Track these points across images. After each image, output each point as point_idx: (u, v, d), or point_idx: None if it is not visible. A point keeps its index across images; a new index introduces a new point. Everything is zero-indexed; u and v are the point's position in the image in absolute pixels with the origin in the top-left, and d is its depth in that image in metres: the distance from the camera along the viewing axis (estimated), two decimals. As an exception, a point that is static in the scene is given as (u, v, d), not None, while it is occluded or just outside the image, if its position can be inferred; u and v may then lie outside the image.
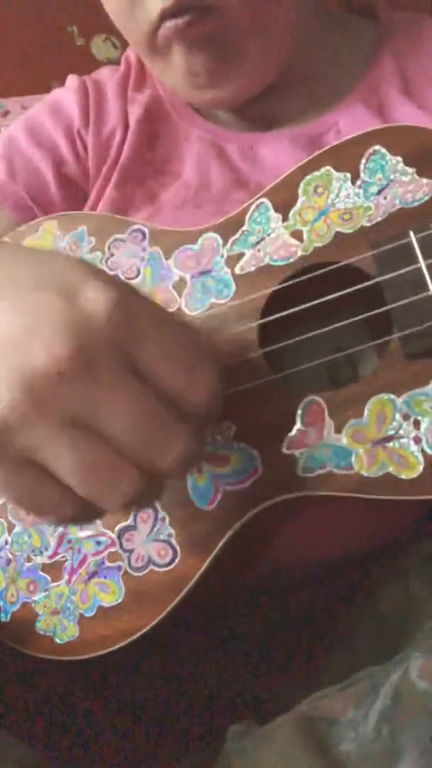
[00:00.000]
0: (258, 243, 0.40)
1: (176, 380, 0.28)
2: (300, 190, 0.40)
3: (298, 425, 0.36)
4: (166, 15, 0.43)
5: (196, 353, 0.29)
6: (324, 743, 0.28)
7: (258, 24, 0.44)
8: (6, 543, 0.41)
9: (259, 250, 0.40)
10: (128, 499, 0.28)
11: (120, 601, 0.38)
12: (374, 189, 0.38)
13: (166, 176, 0.51)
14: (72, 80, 0.55)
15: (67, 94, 0.55)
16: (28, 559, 0.40)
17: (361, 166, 0.39)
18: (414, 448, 0.34)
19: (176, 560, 0.37)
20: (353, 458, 0.35)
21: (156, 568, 0.37)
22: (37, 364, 0.26)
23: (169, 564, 0.37)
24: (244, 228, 0.41)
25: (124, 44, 0.53)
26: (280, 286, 0.39)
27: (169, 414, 0.28)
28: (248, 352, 0.38)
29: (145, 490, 0.28)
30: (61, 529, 0.40)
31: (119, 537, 0.39)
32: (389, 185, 0.38)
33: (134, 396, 0.27)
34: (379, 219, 0.38)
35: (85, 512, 0.28)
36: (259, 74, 0.48)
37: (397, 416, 0.34)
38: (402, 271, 0.36)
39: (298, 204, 0.40)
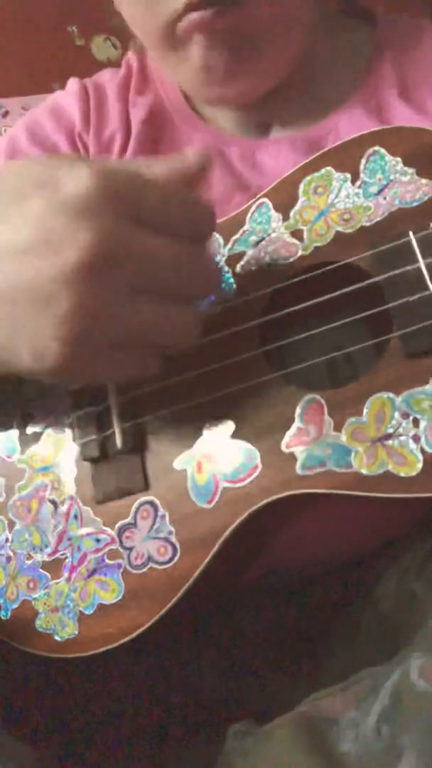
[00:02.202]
0: (259, 242, 0.40)
1: (179, 213, 0.32)
2: (300, 191, 0.40)
3: (297, 423, 0.36)
4: (191, 5, 0.42)
5: (179, 185, 0.33)
6: (324, 743, 0.28)
7: (276, 20, 0.45)
8: (6, 540, 0.41)
9: (259, 250, 0.40)
10: (195, 330, 0.34)
11: (120, 598, 0.38)
12: (374, 189, 0.39)
13: None
14: (73, 83, 0.55)
15: (68, 97, 0.55)
16: (29, 557, 0.40)
17: (361, 167, 0.39)
18: (413, 446, 0.34)
19: (176, 558, 0.37)
20: (352, 456, 0.35)
21: (156, 566, 0.37)
22: (73, 262, 0.29)
23: (168, 562, 0.37)
24: (245, 228, 0.41)
25: (124, 44, 0.53)
26: (280, 285, 0.39)
27: (191, 246, 0.32)
28: (249, 351, 0.38)
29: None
30: (61, 527, 0.40)
31: (119, 535, 0.39)
32: (389, 185, 0.38)
33: (159, 241, 0.31)
34: (378, 219, 0.38)
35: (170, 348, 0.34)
36: (272, 72, 0.48)
37: (397, 415, 0.34)
38: (401, 270, 0.36)
39: (299, 204, 0.40)
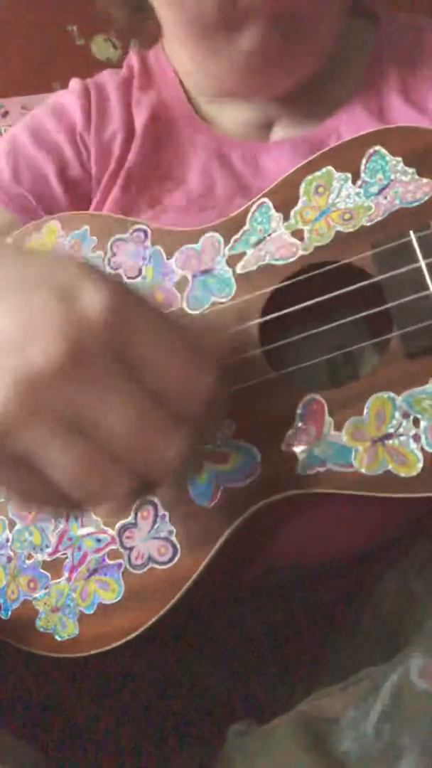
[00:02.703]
0: (259, 242, 0.40)
1: (171, 382, 0.28)
2: (301, 190, 0.40)
3: (298, 423, 0.36)
4: None
5: (193, 356, 0.29)
6: (324, 743, 0.28)
7: (324, 4, 0.45)
8: (7, 540, 0.41)
9: (260, 250, 0.40)
10: (120, 500, 0.28)
11: (120, 598, 0.38)
12: (374, 189, 0.39)
13: (171, 181, 0.51)
14: (74, 83, 0.56)
15: (69, 97, 0.55)
16: (29, 557, 0.40)
17: (362, 167, 0.39)
18: (413, 446, 0.34)
19: (176, 558, 0.37)
20: (353, 456, 0.35)
21: (156, 566, 0.37)
22: (31, 364, 0.26)
23: (169, 562, 0.37)
24: (246, 227, 0.41)
25: (124, 44, 0.53)
26: (281, 285, 0.39)
27: (165, 418, 0.28)
28: (249, 351, 0.38)
29: (137, 492, 0.28)
30: (62, 527, 0.40)
31: (119, 535, 0.39)
32: (389, 185, 0.38)
33: (128, 399, 0.27)
34: (379, 218, 0.38)
35: (77, 510, 0.29)
36: (313, 60, 0.47)
37: (397, 414, 0.34)
38: (402, 270, 0.36)
39: (299, 204, 0.40)
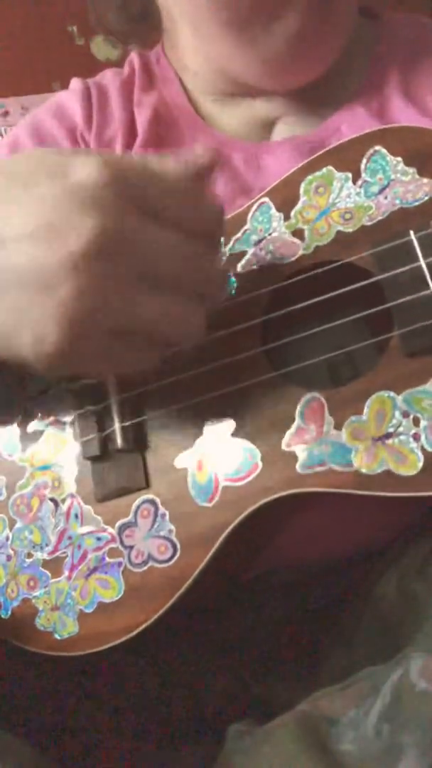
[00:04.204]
0: (260, 242, 0.40)
1: (189, 208, 0.32)
2: (301, 190, 0.40)
3: (298, 422, 0.36)
4: None
5: (189, 182, 0.33)
6: (324, 742, 0.28)
7: None
8: (7, 539, 0.41)
9: (260, 249, 0.40)
10: (200, 325, 0.33)
11: (120, 597, 0.38)
12: (375, 189, 0.39)
13: None
14: (76, 83, 0.55)
15: (70, 97, 0.55)
16: (29, 555, 0.40)
17: (362, 166, 0.39)
18: (413, 445, 0.34)
19: (176, 556, 0.37)
20: (353, 455, 0.35)
21: (156, 565, 0.37)
22: (77, 249, 0.29)
23: (168, 560, 0.37)
24: (246, 227, 0.41)
25: (124, 45, 0.53)
26: (281, 285, 0.39)
27: (200, 242, 0.32)
28: (249, 350, 0.38)
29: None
30: (61, 526, 0.40)
31: (119, 533, 0.39)
32: (390, 185, 0.38)
33: (167, 236, 0.31)
34: (379, 218, 0.38)
35: (172, 347, 0.34)
36: (341, 46, 0.48)
37: (397, 414, 0.34)
38: (402, 269, 0.36)
39: (300, 203, 0.40)
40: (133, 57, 0.56)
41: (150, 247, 0.30)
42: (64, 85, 0.57)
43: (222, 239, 0.37)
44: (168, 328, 0.32)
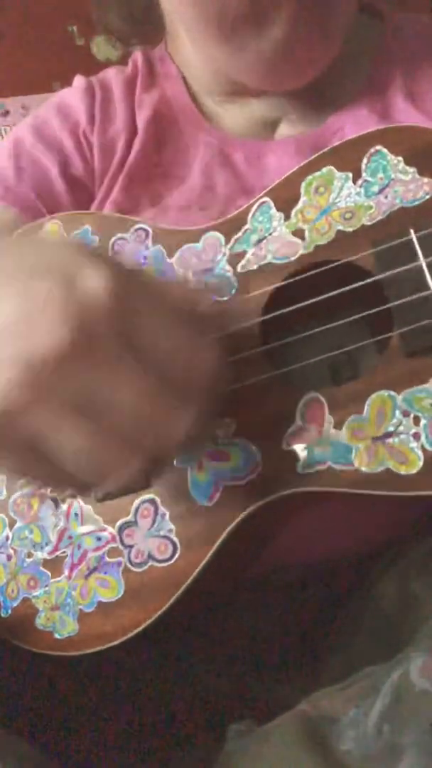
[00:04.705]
0: (260, 241, 0.40)
1: (175, 360, 0.29)
2: (302, 190, 0.40)
3: (298, 421, 0.36)
4: None
5: (194, 332, 0.29)
6: (325, 742, 0.28)
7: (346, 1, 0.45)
8: (7, 538, 0.41)
9: (261, 249, 0.40)
10: (128, 481, 0.28)
11: (120, 596, 0.38)
12: (375, 188, 0.39)
13: (172, 180, 0.51)
14: (79, 81, 0.55)
15: (73, 94, 0.55)
16: (29, 555, 0.40)
17: (362, 166, 0.39)
18: (414, 444, 0.34)
19: (176, 556, 0.37)
20: (353, 454, 0.35)
21: (156, 564, 0.37)
22: (38, 348, 0.26)
23: (169, 560, 0.37)
24: (247, 227, 0.41)
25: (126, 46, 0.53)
26: (281, 284, 0.39)
27: (172, 394, 0.28)
28: (250, 349, 0.38)
29: (145, 472, 0.29)
30: (62, 525, 0.40)
31: (119, 533, 0.39)
32: (390, 184, 0.38)
33: (135, 377, 0.28)
34: (380, 218, 0.38)
35: (85, 491, 0.30)
36: (336, 49, 0.47)
37: (397, 413, 0.34)
38: (402, 269, 0.36)
39: (300, 203, 0.40)
40: (137, 55, 0.56)
41: (108, 384, 0.27)
42: (65, 85, 0.57)
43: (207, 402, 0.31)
44: (84, 464, 0.28)
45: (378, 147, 0.39)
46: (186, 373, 0.29)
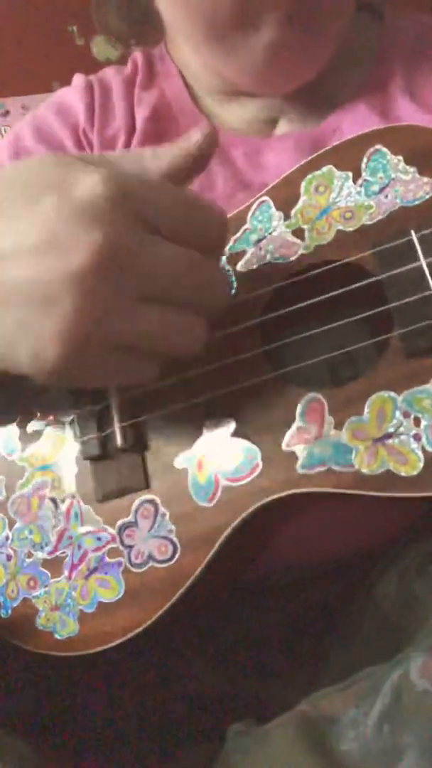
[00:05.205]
0: (260, 241, 0.40)
1: (192, 221, 0.32)
2: (302, 189, 0.40)
3: (298, 422, 0.36)
4: None
5: (190, 195, 0.33)
6: (325, 742, 0.28)
7: (340, 5, 0.45)
8: (7, 539, 0.41)
9: (260, 248, 0.40)
10: (201, 341, 0.33)
11: (120, 597, 0.38)
12: (375, 188, 0.39)
13: None
14: (78, 79, 0.55)
15: (72, 93, 0.55)
16: (29, 555, 0.40)
17: (363, 165, 0.39)
18: (414, 445, 0.34)
19: (176, 556, 0.37)
20: (353, 455, 0.35)
21: (156, 564, 0.37)
22: (80, 265, 0.29)
23: (169, 560, 0.37)
24: (246, 226, 0.41)
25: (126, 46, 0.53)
26: (281, 284, 0.39)
27: (201, 254, 0.32)
28: (249, 350, 0.38)
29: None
30: (61, 526, 0.40)
31: (120, 533, 0.39)
32: (390, 184, 0.38)
33: (171, 250, 0.31)
34: (380, 217, 0.38)
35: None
36: (329, 52, 0.47)
37: (398, 414, 0.34)
38: (403, 269, 0.36)
39: (300, 202, 0.40)
40: (137, 55, 0.56)
41: (151, 262, 0.30)
42: (64, 85, 0.57)
43: (226, 246, 0.37)
44: (169, 341, 0.32)
45: (378, 146, 0.39)
46: (203, 232, 0.32)
